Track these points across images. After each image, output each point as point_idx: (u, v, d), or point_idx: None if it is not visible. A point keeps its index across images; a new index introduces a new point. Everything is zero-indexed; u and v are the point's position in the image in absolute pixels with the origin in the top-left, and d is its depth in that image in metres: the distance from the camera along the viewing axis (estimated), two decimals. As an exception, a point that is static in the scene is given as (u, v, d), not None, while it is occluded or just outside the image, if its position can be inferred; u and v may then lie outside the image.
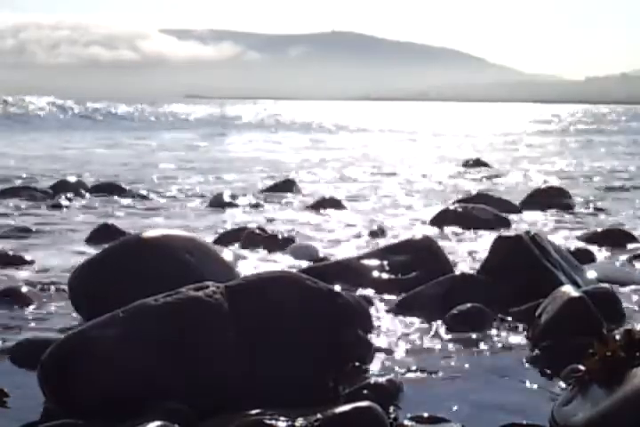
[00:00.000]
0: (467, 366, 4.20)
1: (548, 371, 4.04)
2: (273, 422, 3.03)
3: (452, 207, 8.98)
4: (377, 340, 4.53)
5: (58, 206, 10.02)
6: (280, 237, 7.32)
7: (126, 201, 10.83)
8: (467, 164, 17.35)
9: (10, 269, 6.32)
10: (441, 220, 8.63)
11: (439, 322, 4.81)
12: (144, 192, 11.70)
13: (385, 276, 5.61)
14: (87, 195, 11.20)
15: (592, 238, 7.51)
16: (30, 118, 40.39)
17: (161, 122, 45.39)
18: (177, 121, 46.59)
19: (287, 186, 12.10)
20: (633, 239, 7.54)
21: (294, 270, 5.30)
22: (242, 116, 53.79)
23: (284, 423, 3.02)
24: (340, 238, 7.99)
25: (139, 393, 3.30)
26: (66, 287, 5.10)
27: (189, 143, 26.60)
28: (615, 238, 7.54)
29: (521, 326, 4.72)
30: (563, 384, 3.73)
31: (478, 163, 17.42)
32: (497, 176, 15.45)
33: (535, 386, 3.89)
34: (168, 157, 19.68)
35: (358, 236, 8.13)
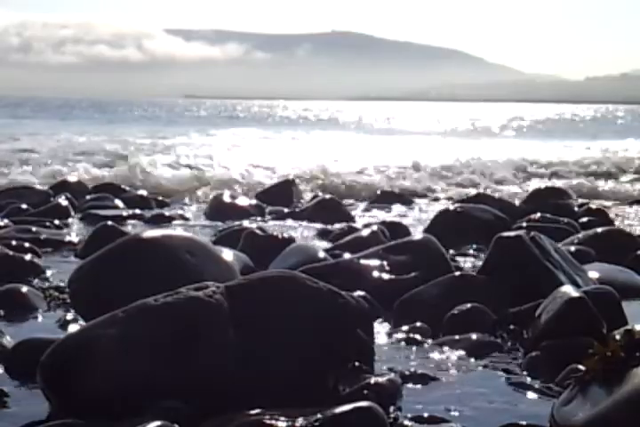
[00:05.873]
0: (466, 366, 4.20)
1: (548, 371, 4.04)
2: (273, 422, 3.03)
3: (451, 207, 8.97)
4: (377, 340, 4.54)
5: (58, 207, 9.99)
6: (280, 237, 7.31)
7: (126, 201, 10.80)
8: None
9: (10, 270, 6.31)
10: (440, 220, 8.61)
11: (439, 322, 4.80)
12: (144, 193, 11.70)
13: (385, 276, 5.61)
14: (87, 195, 11.19)
15: (593, 238, 7.49)
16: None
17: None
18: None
19: (286, 186, 12.09)
20: (634, 240, 7.53)
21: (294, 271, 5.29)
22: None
23: (284, 423, 3.02)
24: (340, 239, 7.97)
25: (139, 393, 3.30)
26: (66, 288, 5.10)
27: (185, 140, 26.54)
28: (616, 239, 7.53)
29: (521, 327, 4.72)
30: (563, 384, 3.73)
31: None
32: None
33: (535, 386, 3.89)
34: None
35: (358, 236, 8.10)
